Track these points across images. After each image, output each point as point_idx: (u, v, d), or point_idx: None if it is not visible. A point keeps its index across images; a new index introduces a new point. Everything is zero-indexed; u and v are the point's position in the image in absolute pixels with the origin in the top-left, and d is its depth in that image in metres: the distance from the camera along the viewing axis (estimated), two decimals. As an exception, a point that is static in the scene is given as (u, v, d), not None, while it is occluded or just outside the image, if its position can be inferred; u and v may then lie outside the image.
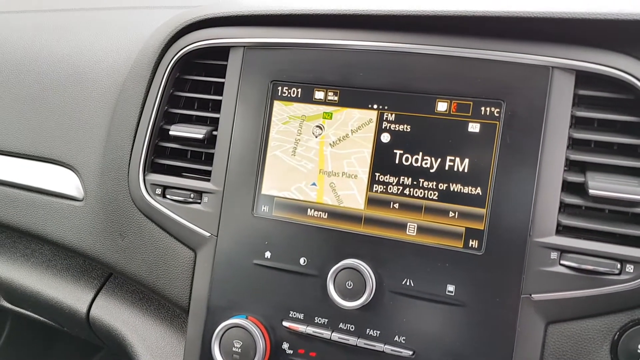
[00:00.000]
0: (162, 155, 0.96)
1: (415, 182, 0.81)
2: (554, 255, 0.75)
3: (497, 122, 0.78)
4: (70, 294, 1.05)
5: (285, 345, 0.85)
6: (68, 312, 1.04)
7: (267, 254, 0.86)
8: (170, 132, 0.93)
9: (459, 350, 0.77)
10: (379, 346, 0.80)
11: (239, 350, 0.85)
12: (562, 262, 0.75)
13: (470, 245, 0.78)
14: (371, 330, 0.81)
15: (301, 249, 0.85)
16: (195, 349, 0.89)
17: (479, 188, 0.78)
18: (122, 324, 1.00)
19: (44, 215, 1.02)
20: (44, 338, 1.99)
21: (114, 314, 1.01)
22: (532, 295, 0.75)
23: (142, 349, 0.97)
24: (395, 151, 0.82)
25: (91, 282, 1.06)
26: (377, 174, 0.83)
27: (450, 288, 0.78)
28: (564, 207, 0.77)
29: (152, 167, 0.95)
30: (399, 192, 0.82)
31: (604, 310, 0.74)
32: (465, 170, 0.79)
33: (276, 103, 0.88)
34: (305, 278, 0.84)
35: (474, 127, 0.80)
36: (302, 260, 0.85)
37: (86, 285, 1.06)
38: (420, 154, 0.81)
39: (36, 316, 1.20)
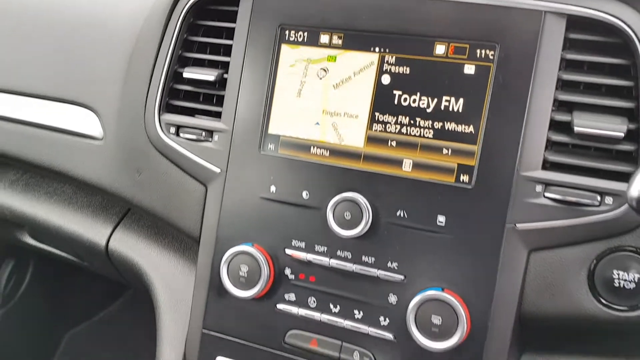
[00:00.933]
0: (176, 97, 1.02)
1: (412, 121, 0.86)
2: (539, 188, 0.80)
3: (491, 64, 0.83)
4: (90, 228, 1.12)
5: (287, 271, 0.92)
6: (88, 245, 1.11)
7: (272, 189, 0.92)
8: (184, 75, 0.99)
9: (447, 276, 0.83)
10: (373, 271, 0.87)
11: (245, 274, 0.91)
12: (546, 194, 0.80)
13: (461, 180, 0.83)
14: (366, 257, 0.87)
15: (304, 183, 0.91)
16: (205, 275, 0.96)
17: (471, 126, 0.83)
18: (138, 256, 1.07)
19: (66, 153, 1.09)
20: (67, 280, 2.09)
21: (131, 246, 1.09)
22: (517, 225, 0.80)
23: (156, 277, 1.04)
24: (394, 92, 0.87)
25: (110, 218, 1.13)
26: (377, 114, 0.88)
27: (441, 219, 0.84)
28: (550, 145, 0.82)
29: (167, 108, 1.02)
30: (396, 131, 0.87)
31: (583, 238, 0.79)
32: (460, 110, 0.84)
33: (284, 47, 0.93)
34: (306, 210, 0.90)
35: (469, 69, 0.84)
36: (304, 194, 0.91)
37: (105, 221, 1.13)
38: (418, 94, 0.86)
39: (59, 252, 1.28)
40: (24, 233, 1.30)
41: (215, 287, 0.95)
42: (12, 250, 1.85)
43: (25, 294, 1.94)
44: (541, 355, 0.87)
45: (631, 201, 0.66)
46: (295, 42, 0.93)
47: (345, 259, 0.88)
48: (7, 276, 1.87)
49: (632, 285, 0.78)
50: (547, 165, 0.81)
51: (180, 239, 1.09)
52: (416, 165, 0.86)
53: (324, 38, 0.91)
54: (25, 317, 1.97)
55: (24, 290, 1.93)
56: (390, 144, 0.87)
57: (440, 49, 0.85)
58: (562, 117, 0.81)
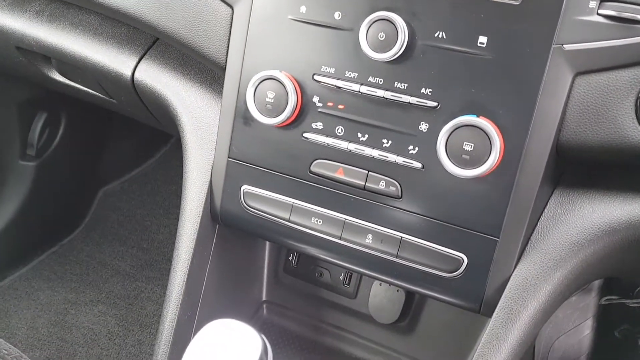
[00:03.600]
0: None
1: None
2: (592, 4, 0.73)
3: None
4: (116, 59, 1.10)
5: (315, 99, 0.88)
6: (114, 76, 1.09)
7: (303, 9, 0.87)
8: None
9: (483, 102, 0.79)
10: (406, 98, 0.83)
11: (272, 101, 0.89)
12: (600, 11, 0.73)
13: (507, -3, 0.77)
14: (399, 84, 0.83)
15: (336, 3, 0.85)
16: (231, 102, 0.93)
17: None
18: (164, 87, 1.05)
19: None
20: (99, 136, 2.13)
21: (156, 78, 1.06)
22: (564, 46, 0.74)
23: (182, 108, 1.03)
24: None
25: (135, 49, 1.10)
26: None
27: (482, 40, 0.78)
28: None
29: None
30: None
31: (635, 60, 0.73)
32: None
33: None
34: (338, 32, 0.85)
35: None
36: (336, 15, 0.85)
37: (130, 52, 1.10)
38: None
39: (86, 90, 1.27)
40: (52, 69, 1.28)
41: (241, 115, 0.93)
42: (44, 103, 1.86)
43: (59, 147, 1.97)
44: (575, 191, 0.84)
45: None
46: None
47: (376, 85, 0.84)
48: (41, 128, 1.90)
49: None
50: None
51: (206, 72, 1.06)
52: (458, -15, 0.79)
53: None
54: (60, 171, 2.02)
55: (57, 142, 1.97)
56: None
57: None
58: None
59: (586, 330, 1.52)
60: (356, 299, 1.14)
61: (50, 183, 1.99)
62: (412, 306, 1.09)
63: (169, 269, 2.01)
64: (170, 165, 2.34)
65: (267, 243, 1.20)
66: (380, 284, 1.10)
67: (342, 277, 1.15)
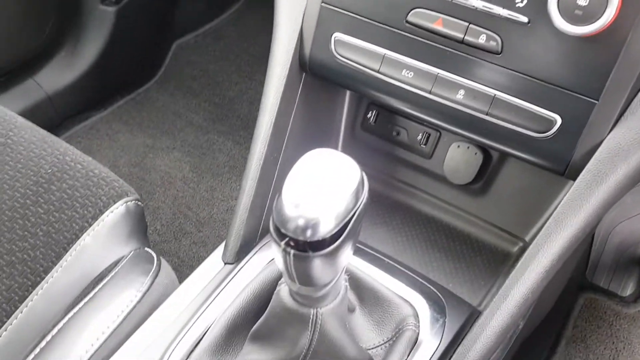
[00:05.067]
0: None
1: None
2: None
3: None
4: None
5: None
6: None
7: None
8: None
9: None
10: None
11: (375, -58, 0.85)
12: None
13: None
14: None
15: None
16: None
17: None
18: None
19: None
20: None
21: None
22: None
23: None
24: None
25: None
26: None
27: None
28: None
29: None
30: None
31: None
32: None
33: None
34: None
35: None
36: None
37: None
38: None
39: None
40: None
41: (340, -43, 0.90)
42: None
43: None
44: None
45: None
46: None
47: None
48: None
49: None
50: None
51: None
52: None
53: None
54: (137, 19, 2.05)
55: (135, -11, 1.97)
56: None
57: None
58: None
59: (652, 218, 1.52)
60: (431, 159, 1.16)
61: (128, 31, 2.03)
62: (487, 169, 1.11)
63: (240, 125, 2.08)
64: (243, 22, 2.33)
65: (347, 98, 1.21)
66: (458, 146, 1.11)
67: (419, 137, 1.16)
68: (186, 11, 2.23)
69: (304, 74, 1.04)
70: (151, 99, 2.14)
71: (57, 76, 1.96)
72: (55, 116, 1.99)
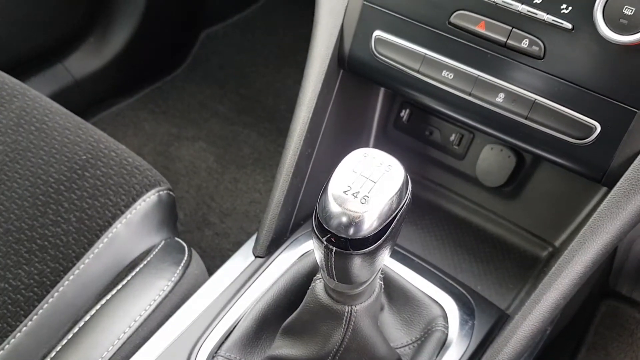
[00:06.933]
0: None
1: None
2: None
3: None
4: None
5: None
6: None
7: None
8: None
9: None
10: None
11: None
12: None
13: None
14: None
15: None
16: None
17: None
18: None
19: None
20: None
21: None
22: None
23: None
24: None
25: None
26: None
27: None
28: None
29: None
30: None
31: None
32: None
33: None
34: None
35: None
36: None
37: None
38: None
39: None
40: None
41: (385, -45, 0.90)
42: None
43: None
44: None
45: None
46: None
47: None
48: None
49: None
50: None
51: None
52: None
53: None
54: (167, 5, 2.05)
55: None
56: None
57: None
58: None
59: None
60: (464, 160, 1.16)
61: (157, 19, 2.04)
62: (520, 173, 1.10)
63: (265, 117, 2.09)
64: (272, 15, 2.33)
65: (380, 96, 1.21)
66: (491, 148, 1.11)
67: (452, 137, 1.16)
68: (216, 1, 2.24)
69: (342, 70, 1.04)
70: (177, 88, 2.15)
71: (85, 62, 1.98)
72: (82, 102, 2.00)
